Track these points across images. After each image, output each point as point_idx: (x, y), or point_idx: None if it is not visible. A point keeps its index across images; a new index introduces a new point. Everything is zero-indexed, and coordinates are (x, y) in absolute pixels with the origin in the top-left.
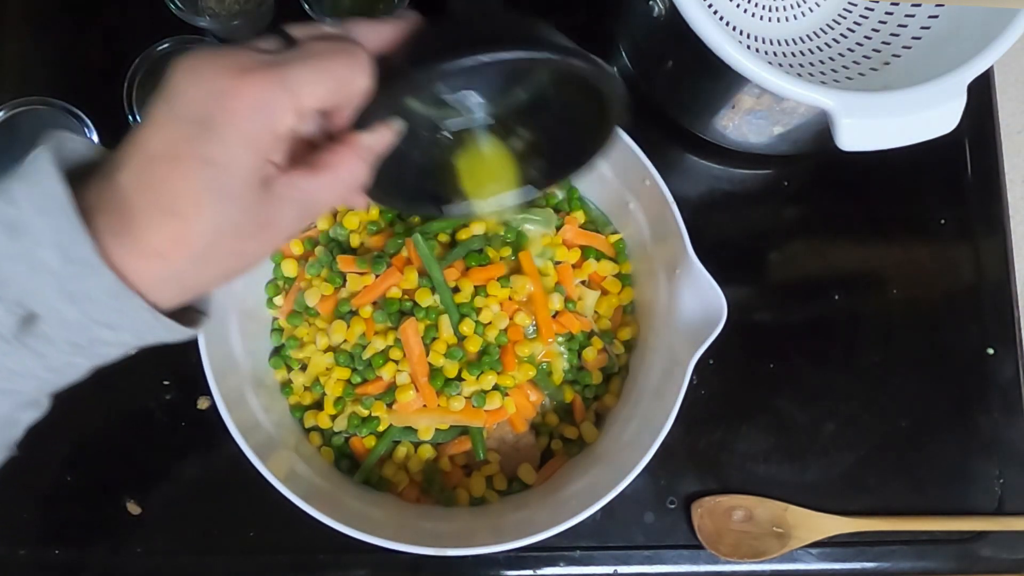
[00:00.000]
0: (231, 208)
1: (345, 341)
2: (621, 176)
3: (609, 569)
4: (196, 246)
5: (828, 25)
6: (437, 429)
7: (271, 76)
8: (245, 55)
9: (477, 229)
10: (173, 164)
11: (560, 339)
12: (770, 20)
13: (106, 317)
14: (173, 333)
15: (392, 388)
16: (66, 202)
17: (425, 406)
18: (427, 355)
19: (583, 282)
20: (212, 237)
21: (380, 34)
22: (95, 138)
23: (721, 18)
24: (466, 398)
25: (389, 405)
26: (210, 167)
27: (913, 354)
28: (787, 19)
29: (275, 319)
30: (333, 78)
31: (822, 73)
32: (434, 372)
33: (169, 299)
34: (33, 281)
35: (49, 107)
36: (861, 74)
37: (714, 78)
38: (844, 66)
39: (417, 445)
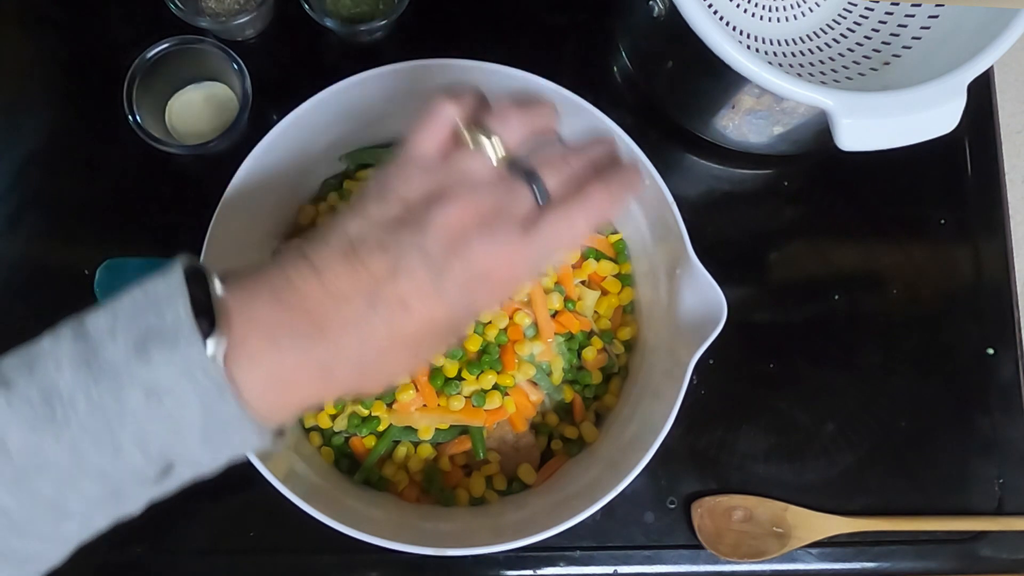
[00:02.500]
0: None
1: None
2: None
3: (609, 569)
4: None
5: (828, 25)
6: (437, 429)
7: (534, 256)
8: (504, 223)
9: None
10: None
11: (560, 339)
12: (770, 20)
13: (233, 453)
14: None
15: (392, 388)
16: (211, 368)
17: (425, 405)
18: None
19: (583, 282)
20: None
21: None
22: None
23: (721, 18)
24: (466, 397)
25: (389, 405)
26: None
27: (913, 354)
28: (787, 19)
29: None
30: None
31: (822, 73)
32: (434, 371)
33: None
34: (176, 437)
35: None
36: (861, 74)
37: (714, 78)
38: (844, 66)
39: (417, 445)
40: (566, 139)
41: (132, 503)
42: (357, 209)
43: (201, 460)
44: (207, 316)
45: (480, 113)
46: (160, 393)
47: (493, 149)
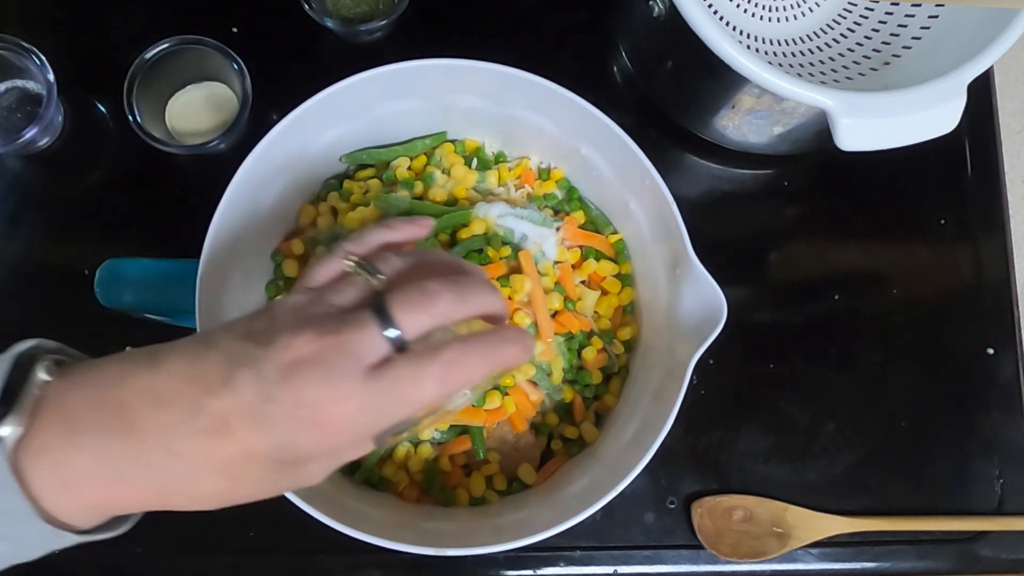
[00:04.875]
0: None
1: None
2: (621, 176)
3: (609, 569)
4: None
5: (828, 25)
6: (437, 429)
7: (372, 405)
8: (349, 372)
9: (477, 229)
10: (224, 435)
11: (560, 339)
12: (770, 20)
13: (41, 548)
14: (91, 540)
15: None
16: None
17: None
18: None
19: (583, 282)
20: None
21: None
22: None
23: (721, 18)
24: None
25: None
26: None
27: (913, 354)
28: (787, 19)
29: None
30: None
31: (822, 73)
32: None
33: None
34: None
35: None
36: (861, 74)
37: (714, 78)
38: (844, 66)
39: (417, 445)
40: (439, 286)
41: None
42: (232, 321)
43: (2, 551)
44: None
45: (377, 255)
46: None
47: (371, 283)
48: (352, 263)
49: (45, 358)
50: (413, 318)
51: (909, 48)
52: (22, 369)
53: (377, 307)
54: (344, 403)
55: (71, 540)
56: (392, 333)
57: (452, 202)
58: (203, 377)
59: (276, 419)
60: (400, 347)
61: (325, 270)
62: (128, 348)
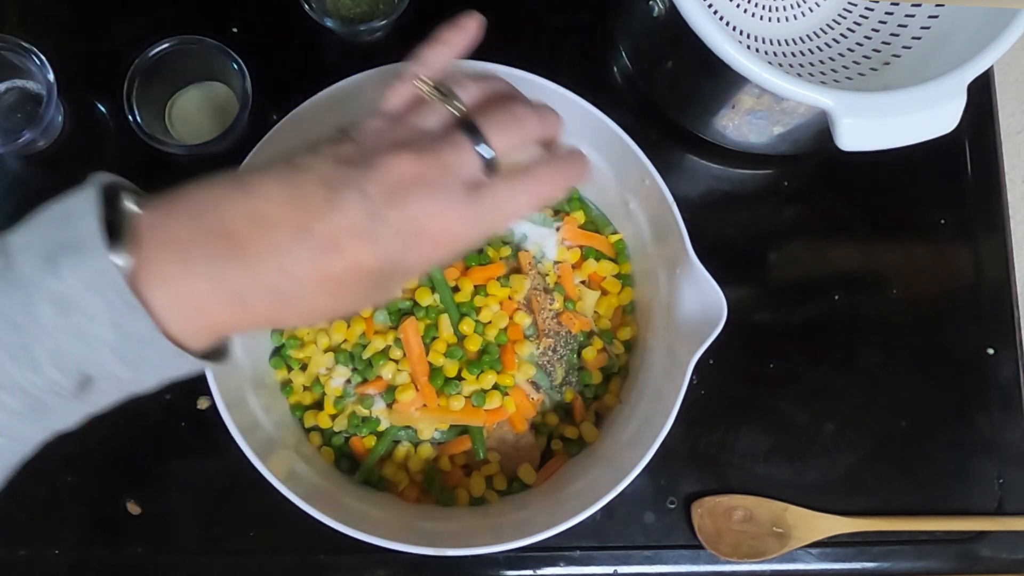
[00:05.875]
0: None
1: (345, 341)
2: (621, 176)
3: (609, 569)
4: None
5: (828, 25)
6: (437, 429)
7: (473, 221)
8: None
9: None
10: (315, 243)
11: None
12: (770, 20)
13: (159, 374)
14: (203, 369)
15: (392, 388)
16: (119, 282)
17: (425, 405)
18: (427, 354)
19: (583, 282)
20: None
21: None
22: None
23: (721, 18)
24: (466, 397)
25: (389, 405)
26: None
27: (913, 354)
28: (787, 19)
29: None
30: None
31: (822, 73)
32: (434, 371)
33: (212, 342)
34: (89, 352)
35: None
36: (861, 74)
37: (714, 78)
38: (844, 66)
39: (417, 445)
40: (522, 109)
41: (61, 417)
42: (310, 145)
43: (122, 377)
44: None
45: (448, 79)
46: (67, 305)
47: (451, 109)
48: (428, 87)
49: (126, 192)
50: (504, 139)
51: (909, 48)
52: (108, 202)
53: (470, 129)
54: (449, 219)
55: (190, 365)
56: (487, 152)
57: None
58: (305, 199)
59: (386, 236)
60: (491, 166)
61: (398, 94)
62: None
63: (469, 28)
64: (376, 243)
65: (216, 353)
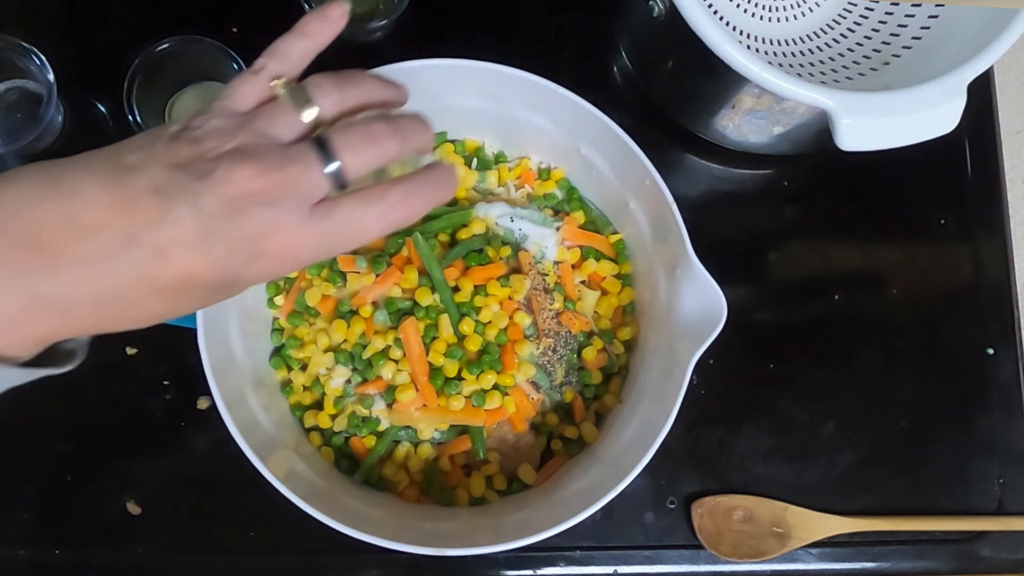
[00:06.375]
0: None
1: (345, 341)
2: (621, 176)
3: (609, 569)
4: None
5: (828, 25)
6: (437, 429)
7: (316, 241)
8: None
9: (477, 229)
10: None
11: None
12: (770, 20)
13: None
14: (43, 375)
15: (392, 388)
16: None
17: (425, 405)
18: (427, 354)
19: (583, 282)
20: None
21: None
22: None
23: (721, 18)
24: (466, 397)
25: (389, 405)
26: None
27: (913, 354)
28: (787, 19)
29: (275, 319)
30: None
31: (822, 73)
32: (434, 371)
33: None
34: None
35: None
36: (861, 74)
37: (714, 78)
38: (844, 66)
39: (417, 445)
40: (383, 127)
41: None
42: (143, 141)
43: None
44: None
45: (309, 82)
46: None
47: (304, 119)
48: (282, 88)
49: None
50: (357, 159)
51: (909, 48)
52: None
53: (321, 145)
54: (289, 237)
55: (18, 375)
56: (337, 174)
57: (452, 202)
58: (133, 206)
59: (220, 251)
60: (342, 186)
61: (248, 89)
62: None
63: (334, 18)
64: (209, 256)
65: (65, 355)
